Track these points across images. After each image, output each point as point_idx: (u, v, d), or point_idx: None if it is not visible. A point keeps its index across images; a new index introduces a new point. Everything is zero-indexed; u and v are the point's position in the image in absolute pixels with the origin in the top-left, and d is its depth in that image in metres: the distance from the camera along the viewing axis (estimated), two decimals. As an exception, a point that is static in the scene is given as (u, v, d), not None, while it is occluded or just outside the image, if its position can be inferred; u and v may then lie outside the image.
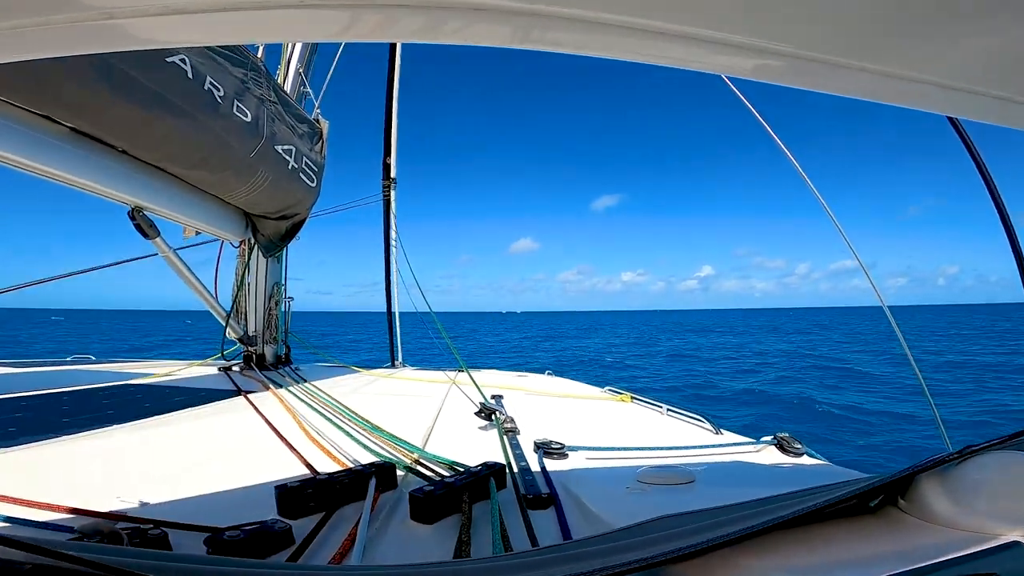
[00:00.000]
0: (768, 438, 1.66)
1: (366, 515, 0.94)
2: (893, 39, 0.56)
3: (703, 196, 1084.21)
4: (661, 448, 1.55)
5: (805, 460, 1.51)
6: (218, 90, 2.16)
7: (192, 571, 0.56)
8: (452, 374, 3.32)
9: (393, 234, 5.17)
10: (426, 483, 1.11)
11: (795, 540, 0.67)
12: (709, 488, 1.13)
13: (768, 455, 1.56)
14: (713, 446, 1.62)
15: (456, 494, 1.01)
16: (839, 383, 13.88)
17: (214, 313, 3.11)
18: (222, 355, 3.45)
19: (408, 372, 3.73)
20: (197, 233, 2.99)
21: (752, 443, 1.67)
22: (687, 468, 1.19)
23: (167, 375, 3.01)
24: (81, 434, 1.60)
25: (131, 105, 1.84)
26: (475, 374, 3.63)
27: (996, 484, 0.68)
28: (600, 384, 2.94)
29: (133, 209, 2.31)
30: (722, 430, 1.86)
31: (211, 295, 3.06)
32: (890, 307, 2.09)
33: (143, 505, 1.06)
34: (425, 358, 4.86)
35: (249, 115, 2.38)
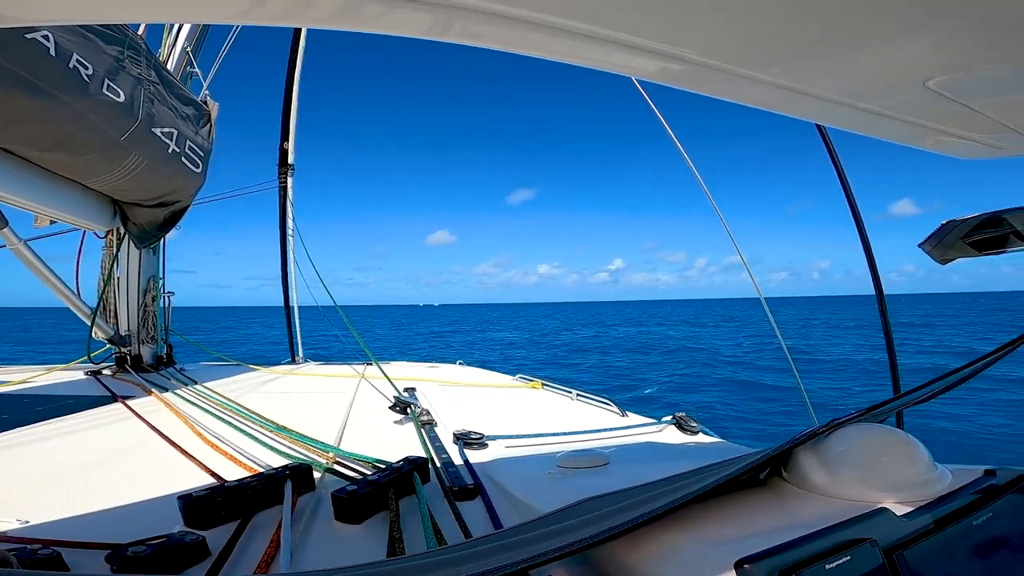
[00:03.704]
0: (668, 418, 1.81)
1: (287, 519, 0.90)
2: (782, 54, 0.63)
3: (614, 191, 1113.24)
4: (574, 432, 1.63)
5: (701, 437, 1.67)
6: (86, 68, 1.91)
7: None
8: (360, 368, 3.22)
9: (290, 223, 4.88)
10: (347, 483, 1.08)
11: (703, 515, 0.74)
12: (622, 468, 1.20)
13: (669, 434, 1.69)
14: (620, 428, 1.74)
15: (381, 491, 1.00)
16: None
17: (76, 311, 2.73)
18: (89, 358, 3.04)
19: (311, 368, 3.55)
20: (52, 222, 2.61)
21: (654, 423, 1.81)
22: (601, 451, 1.26)
23: (22, 383, 2.60)
24: None
25: None
26: (385, 367, 3.54)
27: (858, 453, 0.79)
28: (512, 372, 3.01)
29: (-28, 195, 1.97)
30: (627, 412, 2.00)
31: (72, 292, 2.69)
32: (771, 298, 2.36)
33: (23, 523, 0.93)
34: (332, 354, 4.65)
35: (123, 95, 2.12)
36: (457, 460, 1.34)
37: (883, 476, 0.76)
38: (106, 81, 2.03)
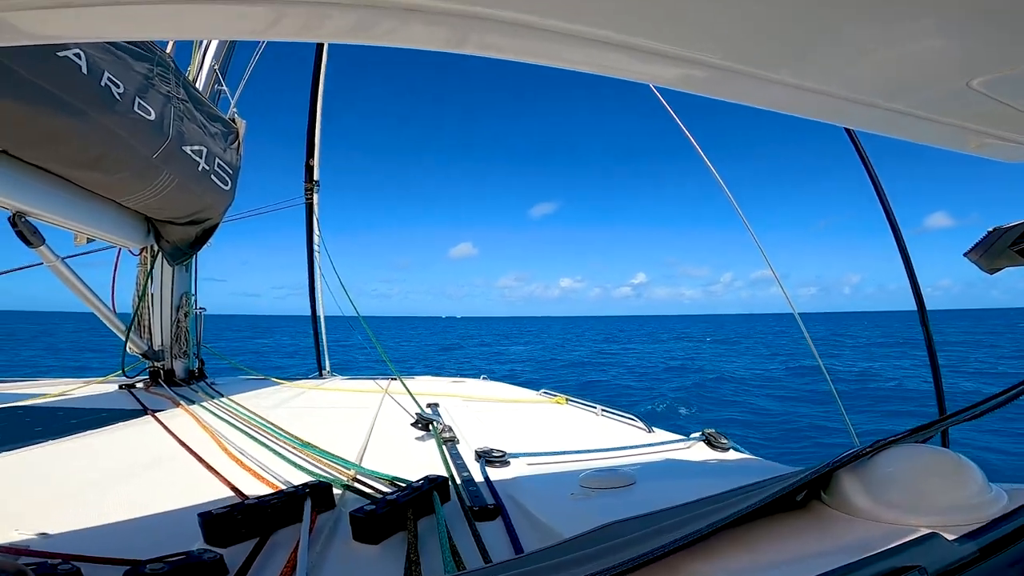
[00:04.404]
0: (697, 434, 1.74)
1: (304, 538, 0.88)
2: (811, 56, 0.60)
3: (635, 205, 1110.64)
4: (599, 450, 1.58)
5: (732, 455, 1.60)
6: (117, 86, 1.96)
7: None
8: (384, 383, 3.22)
9: (316, 238, 4.96)
10: (367, 501, 1.06)
11: (735, 540, 0.69)
12: (648, 488, 1.16)
13: (698, 451, 1.63)
14: (647, 445, 1.68)
15: (400, 511, 0.97)
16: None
17: (111, 327, 2.81)
18: (123, 372, 3.12)
19: (336, 382, 3.57)
20: (89, 240, 2.70)
21: (683, 440, 1.74)
22: (627, 471, 1.22)
23: (59, 395, 2.68)
24: None
25: (11, 102, 1.63)
26: (408, 382, 3.54)
27: (906, 476, 0.74)
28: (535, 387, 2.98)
29: (14, 214, 2.05)
30: (653, 428, 1.94)
31: (107, 308, 2.77)
32: (801, 314, 2.29)
33: (45, 537, 0.94)
34: (357, 365, 4.70)
35: (153, 113, 2.18)
36: (478, 478, 1.31)
37: (932, 499, 0.71)
38: (137, 99, 2.08)
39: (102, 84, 1.90)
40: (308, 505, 1.01)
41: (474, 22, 0.51)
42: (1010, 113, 0.70)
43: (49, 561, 0.76)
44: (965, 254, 1.20)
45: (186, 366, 3.21)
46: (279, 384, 3.32)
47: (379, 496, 1.13)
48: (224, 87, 3.40)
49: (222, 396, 2.59)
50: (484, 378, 3.60)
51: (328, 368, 4.71)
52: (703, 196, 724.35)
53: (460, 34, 0.53)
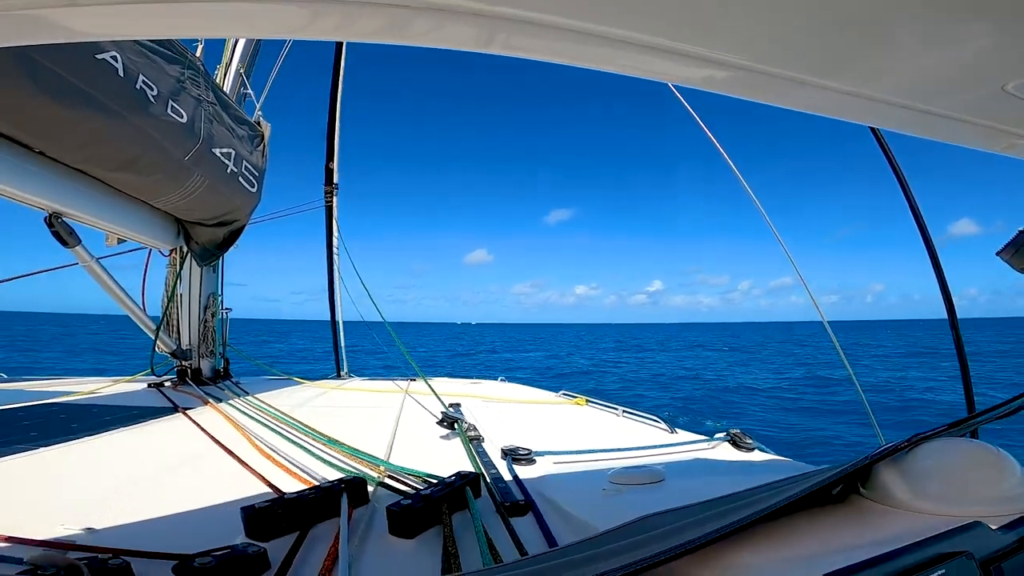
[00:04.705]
0: (721, 434, 1.73)
1: (344, 532, 0.90)
2: (832, 55, 0.60)
3: (652, 212, 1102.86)
4: (624, 449, 1.58)
5: (757, 455, 1.59)
6: (151, 89, 2.01)
7: None
8: (404, 383, 3.25)
9: (336, 241, 5.01)
10: (400, 497, 1.07)
11: (777, 532, 0.70)
12: (679, 485, 1.16)
13: (723, 451, 1.63)
14: (672, 445, 1.68)
15: (435, 506, 0.99)
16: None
17: (142, 326, 2.87)
18: (152, 371, 3.19)
19: (357, 383, 3.61)
20: (121, 241, 2.76)
21: (707, 440, 1.73)
22: (656, 467, 1.22)
23: (91, 393, 2.75)
24: (5, 457, 1.43)
25: (53, 104, 1.68)
26: (429, 382, 3.56)
27: (946, 468, 0.75)
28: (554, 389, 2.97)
29: (51, 215, 2.11)
30: (676, 429, 1.93)
31: (138, 307, 2.83)
32: (820, 322, 2.27)
33: (91, 532, 0.96)
34: (373, 370, 4.73)
35: (185, 116, 2.23)
36: (506, 476, 1.32)
37: (973, 490, 0.72)
38: (170, 102, 2.13)
39: (137, 87, 1.94)
40: (345, 500, 1.03)
41: (501, 23, 0.52)
42: None
43: (99, 556, 0.78)
44: (997, 253, 1.20)
45: (212, 365, 3.27)
46: (301, 384, 3.36)
47: (411, 491, 1.14)
48: (249, 90, 3.46)
49: (248, 395, 2.63)
50: (502, 379, 3.60)
51: (346, 370, 4.76)
52: (721, 203, 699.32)
53: (487, 34, 0.54)
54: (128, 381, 3.24)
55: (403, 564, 0.87)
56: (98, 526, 0.99)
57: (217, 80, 3.17)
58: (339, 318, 5.11)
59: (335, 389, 3.18)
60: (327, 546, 0.88)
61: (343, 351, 4.97)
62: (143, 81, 1.97)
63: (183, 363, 3.14)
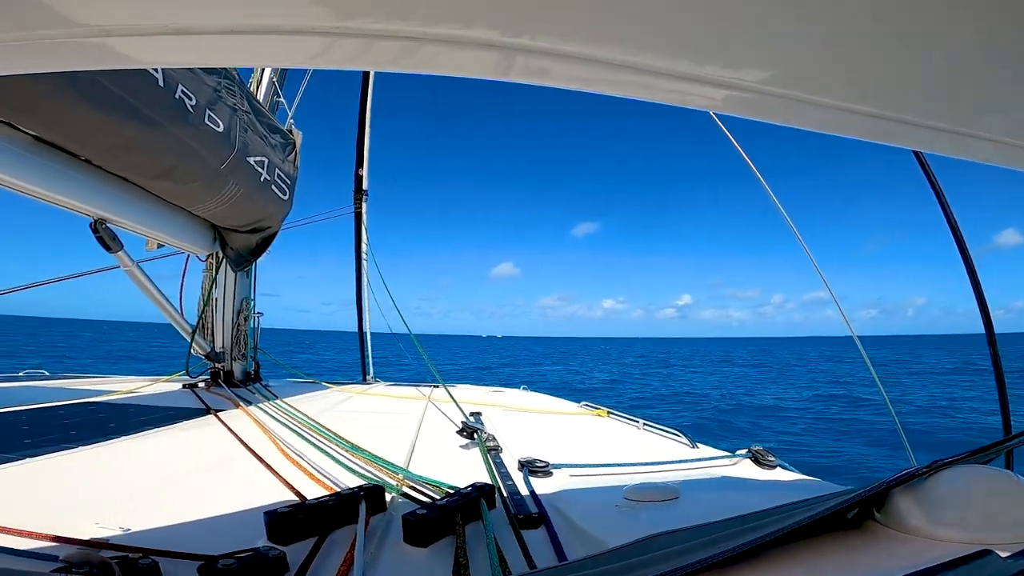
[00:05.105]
0: (743, 451, 1.70)
1: (360, 538, 0.92)
2: (850, 76, 0.60)
3: (679, 226, 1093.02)
4: (642, 464, 1.57)
5: (779, 472, 1.56)
6: (190, 99, 2.10)
7: None
8: (427, 390, 3.28)
9: (365, 248, 5.11)
10: (416, 506, 1.08)
11: (788, 555, 0.69)
12: (693, 503, 1.15)
13: (744, 468, 1.60)
14: (691, 460, 1.65)
15: (449, 516, 1.00)
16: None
17: (178, 328, 2.98)
18: (187, 372, 3.31)
19: (381, 388, 3.66)
20: (160, 245, 2.88)
21: (728, 456, 1.70)
22: (671, 484, 1.21)
23: (129, 392, 2.87)
24: (44, 456, 1.50)
25: (98, 113, 1.77)
26: (451, 390, 3.58)
27: (963, 496, 0.73)
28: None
29: (96, 221, 2.22)
30: (697, 444, 1.90)
31: (175, 310, 2.94)
32: (860, 337, 2.21)
33: (125, 531, 1.01)
34: (399, 378, 4.82)
35: (221, 125, 2.32)
36: (522, 487, 1.33)
37: (987, 518, 0.71)
38: (207, 112, 2.22)
39: (176, 96, 2.03)
40: (363, 507, 1.05)
41: (516, 53, 0.53)
42: None
43: (129, 555, 0.82)
44: None
45: (244, 368, 3.37)
46: (328, 388, 3.43)
47: (428, 501, 1.16)
48: (282, 99, 3.57)
49: (276, 398, 2.70)
50: (524, 388, 3.60)
51: (372, 374, 4.83)
52: (751, 217, 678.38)
53: (504, 62, 0.55)
54: (166, 381, 3.37)
55: (415, 572, 0.88)
56: (131, 526, 1.03)
57: (251, 89, 3.29)
58: (366, 320, 5.20)
59: (361, 394, 3.24)
60: (344, 551, 0.91)
61: (370, 356, 5.05)
62: (182, 91, 2.06)
63: (216, 365, 3.25)
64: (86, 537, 0.94)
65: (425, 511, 0.99)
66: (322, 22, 0.50)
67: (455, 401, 2.45)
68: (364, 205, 5.14)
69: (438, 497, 1.16)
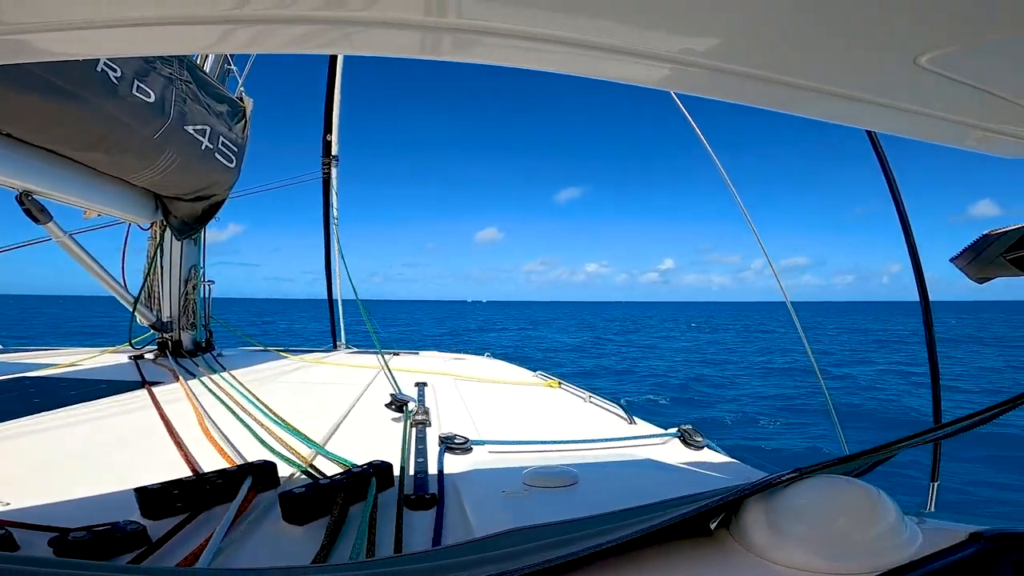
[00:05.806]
0: (673, 430, 1.69)
1: (229, 516, 0.92)
2: (805, 55, 0.59)
3: (662, 190, 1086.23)
4: (566, 442, 1.57)
5: (706, 453, 1.55)
6: (114, 71, 2.03)
7: (23, 572, 0.54)
8: (389, 357, 3.27)
9: (334, 213, 5.03)
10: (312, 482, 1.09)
11: (633, 562, 0.67)
12: (589, 490, 1.15)
13: (670, 448, 1.59)
14: (618, 439, 1.64)
15: (330, 495, 1.00)
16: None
17: (120, 299, 2.94)
18: (130, 343, 3.27)
19: (339, 356, 3.66)
20: (100, 215, 2.81)
21: (657, 436, 1.70)
22: (570, 470, 1.21)
23: (71, 365, 2.83)
24: None
25: (16, 90, 1.71)
26: (410, 356, 3.59)
27: (811, 511, 0.68)
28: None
29: (21, 193, 2.15)
30: (635, 419, 1.91)
31: (117, 281, 2.89)
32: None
33: (4, 506, 1.01)
34: (369, 345, 4.84)
35: (153, 96, 2.24)
36: (432, 466, 1.33)
37: (833, 540, 0.65)
38: (136, 82, 2.14)
39: (98, 70, 1.96)
40: (247, 484, 1.05)
41: (446, 31, 0.53)
42: (1004, 105, 0.66)
43: None
44: (952, 259, 1.12)
45: (194, 338, 3.34)
46: (285, 357, 3.42)
47: (324, 479, 1.17)
48: (232, 66, 3.44)
49: (224, 369, 2.68)
50: (488, 355, 3.61)
51: (343, 341, 4.83)
52: (736, 183, 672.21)
53: (431, 41, 0.55)
54: (112, 351, 3.33)
55: (282, 551, 0.88)
56: (13, 502, 1.03)
57: (199, 58, 3.16)
58: (336, 287, 5.16)
59: (316, 363, 3.23)
60: (211, 529, 0.91)
61: (340, 323, 5.04)
62: (105, 64, 1.99)
63: (164, 335, 3.21)
64: None
65: (303, 489, 0.99)
66: (218, 10, 0.49)
67: (388, 371, 2.45)
68: (334, 171, 5.04)
69: (338, 474, 1.16)
